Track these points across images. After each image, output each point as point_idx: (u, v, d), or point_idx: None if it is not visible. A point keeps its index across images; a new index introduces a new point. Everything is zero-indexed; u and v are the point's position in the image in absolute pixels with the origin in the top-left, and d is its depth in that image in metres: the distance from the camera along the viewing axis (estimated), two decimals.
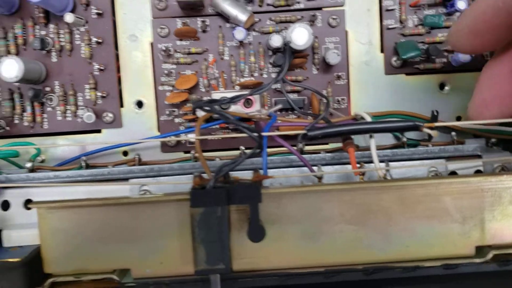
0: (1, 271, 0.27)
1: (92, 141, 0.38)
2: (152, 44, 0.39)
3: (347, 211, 0.28)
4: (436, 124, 0.31)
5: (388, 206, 0.28)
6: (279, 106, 0.38)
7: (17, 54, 0.38)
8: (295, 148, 0.35)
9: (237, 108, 0.37)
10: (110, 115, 0.39)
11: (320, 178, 0.34)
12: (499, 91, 0.28)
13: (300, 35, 0.35)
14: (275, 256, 0.28)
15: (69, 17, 0.36)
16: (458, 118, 0.39)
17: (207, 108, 0.32)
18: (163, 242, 0.29)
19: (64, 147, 0.38)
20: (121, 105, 0.39)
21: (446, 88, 0.40)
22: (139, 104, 0.39)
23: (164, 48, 0.38)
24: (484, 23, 0.26)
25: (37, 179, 0.33)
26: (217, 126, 0.39)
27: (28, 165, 0.34)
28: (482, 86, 0.29)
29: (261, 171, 0.32)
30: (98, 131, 0.39)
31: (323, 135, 0.32)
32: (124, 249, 0.29)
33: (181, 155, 0.39)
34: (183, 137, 0.37)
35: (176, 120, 0.39)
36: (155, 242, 0.29)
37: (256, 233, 0.27)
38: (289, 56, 0.36)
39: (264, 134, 0.30)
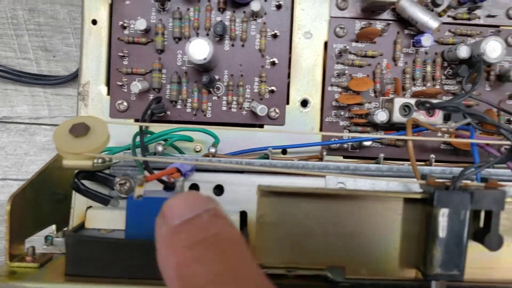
0: None
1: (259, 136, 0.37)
2: (326, 43, 0.38)
3: None
4: None
5: None
6: (467, 120, 0.37)
7: (189, 37, 0.37)
8: None
9: (418, 116, 0.36)
10: (277, 110, 0.38)
11: None
12: None
13: (494, 48, 0.34)
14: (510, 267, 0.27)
15: (255, 5, 0.36)
16: None
17: (448, 106, 0.30)
18: (384, 241, 0.27)
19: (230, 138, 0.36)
20: (287, 102, 0.38)
21: None
22: (304, 103, 0.38)
23: (340, 49, 0.37)
24: None
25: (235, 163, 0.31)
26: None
27: (212, 150, 0.33)
28: None
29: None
30: (261, 126, 0.38)
31: None
32: (340, 246, 0.27)
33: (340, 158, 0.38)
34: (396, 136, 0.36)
35: (341, 123, 0.38)
36: (375, 240, 0.27)
37: (495, 241, 0.26)
38: (481, 69, 0.35)
39: None
